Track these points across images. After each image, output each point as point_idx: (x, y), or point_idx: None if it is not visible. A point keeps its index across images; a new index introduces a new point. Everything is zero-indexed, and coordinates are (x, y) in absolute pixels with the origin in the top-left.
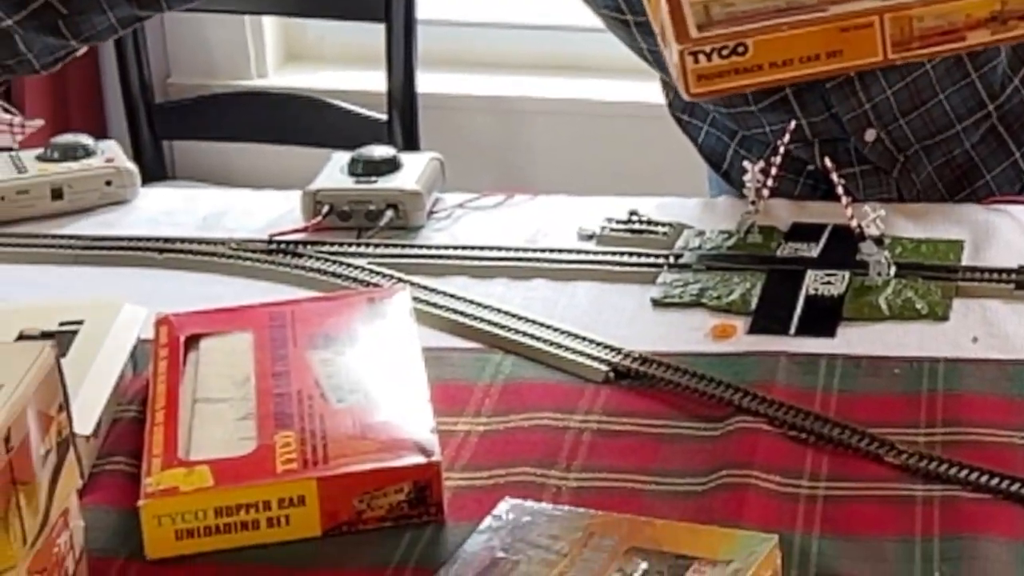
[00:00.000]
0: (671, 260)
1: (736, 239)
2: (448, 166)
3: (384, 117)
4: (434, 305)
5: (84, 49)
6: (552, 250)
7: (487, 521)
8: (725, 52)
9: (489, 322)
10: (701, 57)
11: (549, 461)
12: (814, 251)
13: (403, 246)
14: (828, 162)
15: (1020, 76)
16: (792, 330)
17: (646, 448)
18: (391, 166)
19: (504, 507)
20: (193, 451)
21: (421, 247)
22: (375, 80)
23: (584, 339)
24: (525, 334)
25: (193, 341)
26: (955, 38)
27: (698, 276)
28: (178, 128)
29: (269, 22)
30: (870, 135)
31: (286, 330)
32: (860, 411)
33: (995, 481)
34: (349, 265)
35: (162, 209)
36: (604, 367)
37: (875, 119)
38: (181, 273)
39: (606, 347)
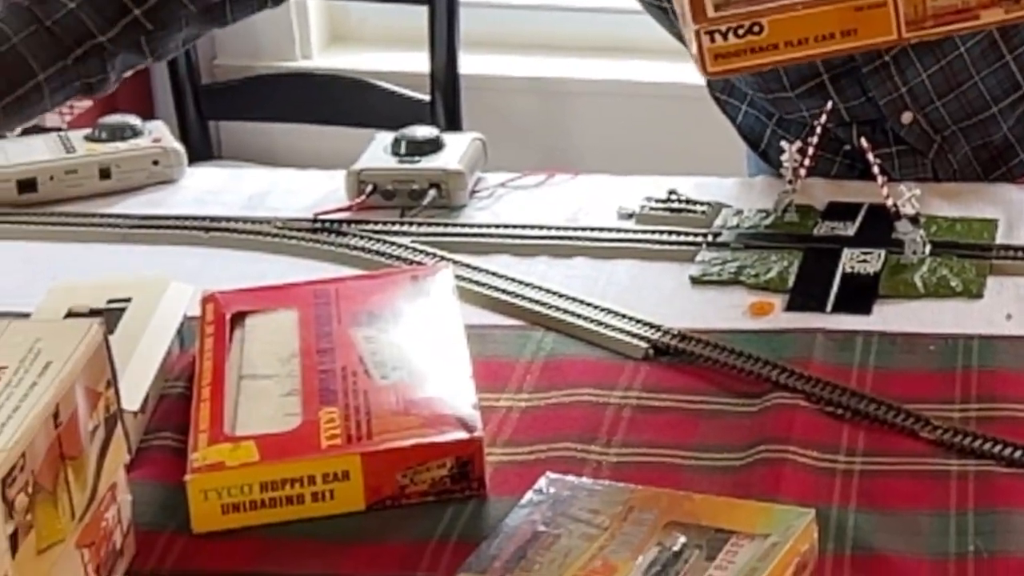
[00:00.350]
0: (709, 239)
1: (773, 218)
2: (490, 146)
3: (427, 98)
4: (476, 283)
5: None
6: (592, 229)
7: (528, 495)
8: (741, 31)
9: (530, 300)
10: (717, 36)
11: (589, 436)
12: (850, 230)
13: (446, 225)
14: (864, 142)
15: None
16: (829, 307)
17: (685, 424)
18: (434, 146)
19: (545, 482)
20: (239, 427)
21: (463, 226)
22: (418, 61)
23: (624, 316)
24: (566, 311)
25: (239, 318)
26: (968, 17)
27: (736, 254)
28: (224, 109)
29: (313, 4)
30: (906, 117)
31: (330, 308)
32: (896, 387)
33: None
34: (392, 244)
35: (208, 188)
36: (643, 344)
37: (911, 102)
38: (227, 251)
39: (645, 324)
